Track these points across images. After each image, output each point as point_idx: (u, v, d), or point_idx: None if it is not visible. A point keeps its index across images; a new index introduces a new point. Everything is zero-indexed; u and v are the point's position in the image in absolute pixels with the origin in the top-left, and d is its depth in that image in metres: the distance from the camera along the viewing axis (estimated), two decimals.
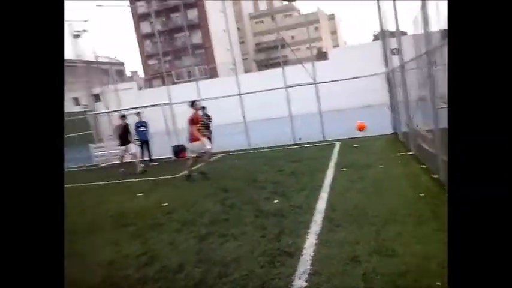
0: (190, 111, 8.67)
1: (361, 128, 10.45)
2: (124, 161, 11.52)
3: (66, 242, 4.63)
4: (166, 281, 3.64)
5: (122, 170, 11.17)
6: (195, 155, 8.77)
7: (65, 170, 14.18)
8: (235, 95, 14.04)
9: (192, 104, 8.73)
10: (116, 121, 11.56)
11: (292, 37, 53.15)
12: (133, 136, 11.60)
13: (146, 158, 12.68)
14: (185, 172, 8.83)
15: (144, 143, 12.64)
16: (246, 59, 54.54)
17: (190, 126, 8.55)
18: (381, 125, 12.50)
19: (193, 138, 8.53)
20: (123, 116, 11.43)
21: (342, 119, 19.49)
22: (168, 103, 14.29)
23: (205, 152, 8.78)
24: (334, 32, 68.76)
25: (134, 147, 11.32)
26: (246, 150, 12.68)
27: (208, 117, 13.02)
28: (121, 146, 11.18)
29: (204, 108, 13.13)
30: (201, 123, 8.95)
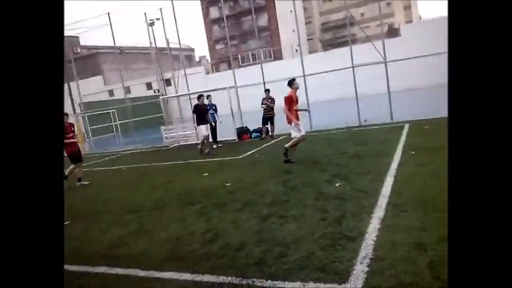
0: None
1: None
2: (204, 140, 11.41)
3: (137, 217, 5.00)
4: (228, 258, 3.77)
5: (208, 151, 11.11)
6: (299, 137, 7.97)
7: (138, 150, 15.35)
8: (298, 76, 13.85)
9: (290, 82, 8.13)
10: (195, 101, 11.83)
11: (362, 14, 50.75)
12: (209, 117, 11.79)
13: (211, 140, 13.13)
14: (287, 146, 8.10)
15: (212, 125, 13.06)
16: (312, 39, 53.34)
17: (286, 106, 7.96)
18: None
19: (291, 119, 7.94)
20: (201, 96, 11.62)
21: (413, 99, 18.38)
22: (233, 86, 14.56)
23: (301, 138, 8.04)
24: (407, 7, 64.28)
25: (206, 128, 11.49)
26: (308, 132, 12.52)
27: (272, 100, 13.06)
28: (199, 125, 11.35)
29: (268, 90, 13.19)
30: (298, 104, 8.20)
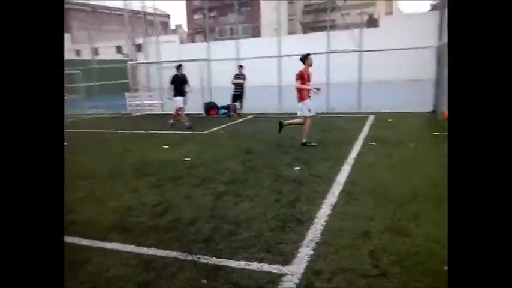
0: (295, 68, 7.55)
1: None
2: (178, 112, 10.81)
3: (89, 184, 4.84)
4: (176, 232, 3.73)
5: (172, 122, 10.78)
6: (307, 116, 7.44)
7: (99, 115, 14.84)
8: (274, 56, 13.72)
9: (304, 58, 7.49)
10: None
11: (345, 0, 50.64)
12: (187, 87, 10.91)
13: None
14: (304, 140, 7.38)
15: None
16: (293, 20, 52.86)
17: (298, 82, 7.32)
18: (422, 102, 11.88)
19: (301, 97, 7.40)
20: (180, 66, 10.88)
21: (383, 91, 18.72)
22: (206, 59, 14.24)
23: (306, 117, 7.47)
24: None
25: (182, 100, 10.72)
26: (276, 114, 12.51)
27: (244, 76, 12.90)
28: (176, 96, 10.64)
29: (241, 67, 12.99)
30: (310, 82, 7.50)
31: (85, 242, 3.61)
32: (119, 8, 29.40)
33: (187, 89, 11.05)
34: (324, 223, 3.79)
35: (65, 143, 9.20)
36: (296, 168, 5.83)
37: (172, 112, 11.09)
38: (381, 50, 12.75)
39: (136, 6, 17.40)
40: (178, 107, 10.64)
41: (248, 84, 12.95)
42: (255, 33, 43.07)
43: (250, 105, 13.23)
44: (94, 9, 34.32)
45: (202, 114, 13.36)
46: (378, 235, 3.46)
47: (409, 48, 12.96)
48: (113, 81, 18.53)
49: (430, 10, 36.22)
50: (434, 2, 42.39)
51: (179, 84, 10.71)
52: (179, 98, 10.63)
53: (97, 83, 16.35)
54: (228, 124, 11.09)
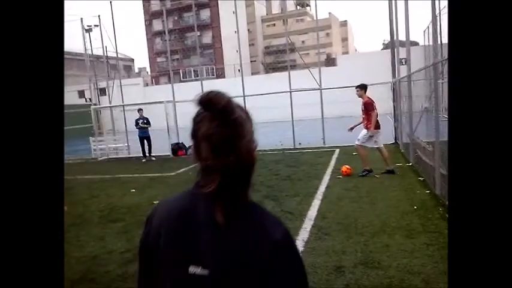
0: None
1: (345, 174, 7.67)
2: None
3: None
4: None
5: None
6: (381, 145, 7.53)
7: (63, 162, 14.19)
8: (239, 96, 13.99)
9: (364, 88, 7.56)
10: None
11: (303, 42, 53.09)
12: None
13: (146, 154, 12.69)
14: (388, 167, 7.43)
15: (145, 139, 12.64)
16: (255, 61, 54.57)
17: (371, 113, 7.29)
18: (383, 134, 12.35)
19: (377, 125, 7.41)
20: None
21: (345, 126, 19.37)
22: (170, 101, 14.29)
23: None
24: (345, 39, 68.62)
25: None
26: None
27: None
28: None
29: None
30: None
31: None
32: (80, 53, 29.28)
33: (142, 132, 11.97)
34: None
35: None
36: (267, 206, 5.83)
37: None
38: (340, 88, 13.33)
39: (97, 50, 17.39)
40: None
41: None
42: (219, 74, 43.95)
43: None
44: None
45: (169, 155, 13.20)
46: (351, 269, 3.48)
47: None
48: (76, 126, 18.09)
49: (383, 49, 38.68)
50: (386, 42, 45.35)
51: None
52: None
53: None
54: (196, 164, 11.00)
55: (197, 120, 0.97)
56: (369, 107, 7.28)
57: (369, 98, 7.44)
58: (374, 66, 22.49)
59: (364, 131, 7.46)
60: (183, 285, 0.93)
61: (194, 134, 0.97)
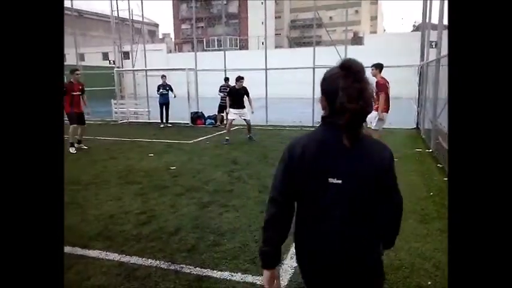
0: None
1: None
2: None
3: (71, 191, 4.71)
4: (160, 242, 3.68)
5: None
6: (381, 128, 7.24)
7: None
8: (261, 69, 13.84)
9: (380, 67, 7.13)
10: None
11: (330, 18, 51.61)
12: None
13: (164, 120, 12.81)
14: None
15: (164, 106, 12.73)
16: (279, 34, 53.54)
17: (381, 94, 6.89)
18: (404, 119, 12.13)
19: (386, 108, 7.06)
20: (240, 78, 9.73)
21: None
22: (192, 69, 14.25)
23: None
24: (374, 18, 66.30)
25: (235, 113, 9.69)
26: (263, 126, 12.57)
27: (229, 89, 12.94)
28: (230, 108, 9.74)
29: (227, 79, 13.06)
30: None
31: (66, 249, 3.52)
32: (106, 15, 29.24)
33: (163, 98, 12.03)
34: None
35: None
36: None
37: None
38: (365, 68, 13.00)
39: (123, 13, 17.30)
40: (230, 118, 9.84)
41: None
42: (243, 45, 43.39)
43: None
44: (80, 15, 34.04)
45: (188, 123, 13.30)
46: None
47: (392, 66, 13.24)
48: (99, 88, 18.31)
49: (413, 31, 37.30)
50: (417, 24, 43.68)
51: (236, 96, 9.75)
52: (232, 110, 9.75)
53: None
54: (214, 134, 11.08)
55: (334, 77, 1.40)
56: (380, 87, 7.01)
57: (382, 78, 7.17)
58: (401, 47, 21.79)
59: (374, 113, 7.26)
60: (325, 190, 1.41)
61: (329, 85, 1.43)
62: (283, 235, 1.54)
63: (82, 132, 8.73)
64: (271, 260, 1.55)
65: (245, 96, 9.68)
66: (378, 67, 7.23)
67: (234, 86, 9.75)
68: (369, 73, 6.89)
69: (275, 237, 1.54)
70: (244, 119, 9.67)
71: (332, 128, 1.40)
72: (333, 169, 1.40)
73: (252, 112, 9.86)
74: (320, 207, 1.44)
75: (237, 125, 12.69)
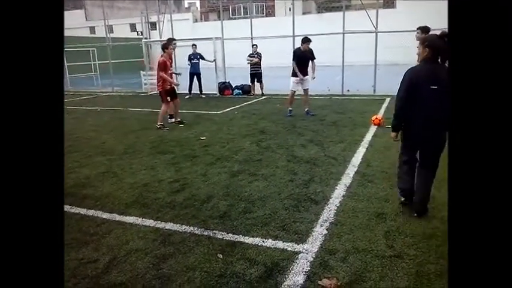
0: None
1: (375, 124, 7.32)
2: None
3: (107, 160, 4.89)
4: (193, 209, 3.80)
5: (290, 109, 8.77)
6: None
7: (115, 93, 14.97)
8: (288, 36, 13.52)
9: (427, 31, 6.24)
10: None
11: None
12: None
13: (197, 91, 12.87)
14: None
15: (195, 75, 12.77)
16: None
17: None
18: None
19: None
20: (307, 41, 8.51)
21: (398, 74, 18.35)
22: (219, 38, 14.11)
23: None
24: None
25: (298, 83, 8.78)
26: None
27: (258, 55, 12.78)
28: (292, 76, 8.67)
29: (255, 45, 12.88)
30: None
31: (105, 215, 3.72)
32: None
33: (194, 68, 11.72)
34: (339, 204, 3.82)
35: (88, 119, 9.36)
36: (311, 149, 5.83)
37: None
38: (397, 32, 12.42)
39: None
40: (291, 89, 8.94)
41: (262, 64, 12.86)
42: (269, 12, 42.32)
43: (266, 85, 13.13)
44: None
45: (216, 94, 13.34)
46: (392, 216, 3.49)
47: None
48: (128, 60, 18.54)
49: None
50: None
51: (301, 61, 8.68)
52: (293, 79, 8.81)
53: (112, 61, 16.38)
54: (242, 104, 11.08)
55: (434, 39, 3.28)
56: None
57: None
58: (437, 12, 20.59)
59: None
60: (428, 94, 3.24)
61: (432, 42, 3.30)
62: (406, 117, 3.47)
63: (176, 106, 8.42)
64: (398, 127, 3.69)
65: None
66: (424, 30, 6.83)
67: (299, 47, 8.57)
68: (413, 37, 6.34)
69: (402, 116, 3.50)
70: (304, 89, 8.80)
71: (430, 66, 3.31)
72: (433, 81, 3.21)
73: (314, 78, 8.74)
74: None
75: (265, 94, 12.62)
